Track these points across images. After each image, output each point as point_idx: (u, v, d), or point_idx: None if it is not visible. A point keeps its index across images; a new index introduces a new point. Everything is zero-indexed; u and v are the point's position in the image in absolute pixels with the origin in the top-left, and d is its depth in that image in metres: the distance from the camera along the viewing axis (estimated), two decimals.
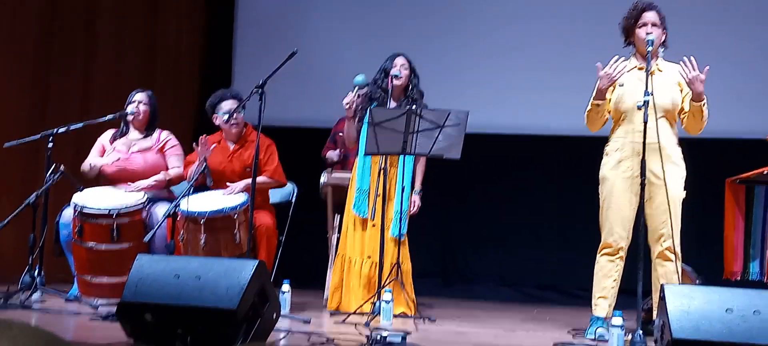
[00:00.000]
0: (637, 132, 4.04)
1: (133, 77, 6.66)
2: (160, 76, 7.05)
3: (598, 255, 4.21)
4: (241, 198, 4.70)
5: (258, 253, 4.69)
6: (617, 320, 3.75)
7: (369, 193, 4.83)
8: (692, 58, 3.98)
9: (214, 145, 4.87)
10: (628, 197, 4.11)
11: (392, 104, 4.84)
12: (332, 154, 5.72)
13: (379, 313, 4.33)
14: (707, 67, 3.98)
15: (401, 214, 4.69)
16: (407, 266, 4.81)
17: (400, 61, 4.90)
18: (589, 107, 4.16)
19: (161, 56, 7.18)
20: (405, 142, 4.39)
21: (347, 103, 4.78)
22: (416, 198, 4.89)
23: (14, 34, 6.01)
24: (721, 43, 6.32)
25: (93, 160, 5.02)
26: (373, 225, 4.75)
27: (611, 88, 4.17)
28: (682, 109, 4.16)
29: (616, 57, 4.07)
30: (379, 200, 4.68)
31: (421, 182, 4.93)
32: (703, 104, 4.04)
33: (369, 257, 4.76)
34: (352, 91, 4.81)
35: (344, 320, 4.36)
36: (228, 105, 4.97)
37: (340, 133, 5.79)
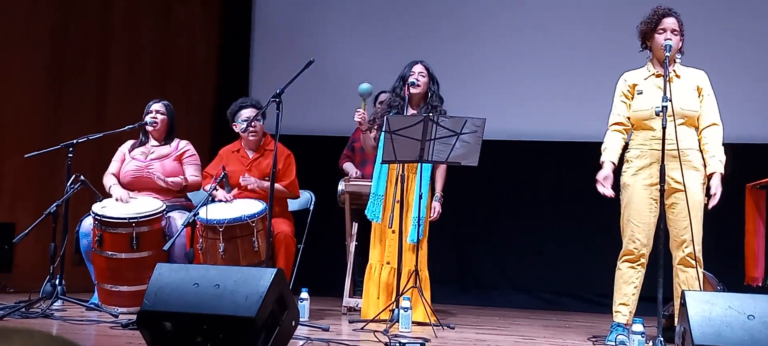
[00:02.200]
0: (656, 139, 4.02)
1: (147, 86, 6.70)
2: (174, 86, 7.08)
3: (619, 262, 4.19)
4: (260, 206, 4.71)
5: (277, 261, 4.70)
6: (638, 327, 3.74)
7: (384, 198, 4.83)
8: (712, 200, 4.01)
9: (235, 191, 4.90)
10: (648, 204, 4.09)
11: (411, 112, 4.84)
12: (349, 168, 5.71)
13: (398, 320, 4.32)
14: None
15: (419, 220, 4.67)
16: (424, 273, 4.80)
17: (418, 68, 4.89)
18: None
19: (176, 65, 7.22)
20: (422, 149, 4.38)
21: (359, 119, 4.78)
22: (436, 204, 4.87)
23: (28, 44, 6.06)
24: (740, 48, 6.28)
25: (115, 191, 4.96)
26: (393, 232, 4.75)
27: (629, 98, 4.18)
28: (699, 118, 4.14)
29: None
30: (397, 206, 4.66)
31: (441, 188, 4.91)
32: (723, 171, 4.07)
33: (388, 263, 4.76)
34: (361, 105, 4.79)
35: (363, 328, 4.36)
36: (247, 113, 5.00)
37: (358, 142, 5.79)
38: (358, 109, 4.77)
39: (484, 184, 6.35)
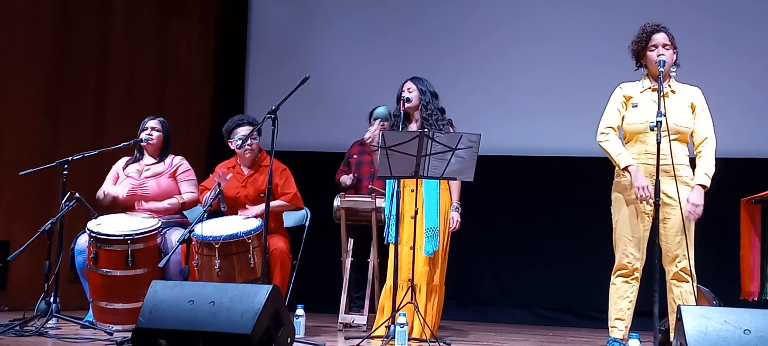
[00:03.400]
0: (650, 153, 4.03)
1: (144, 102, 6.71)
2: (171, 102, 7.10)
3: (612, 276, 4.19)
4: (255, 222, 4.71)
5: (272, 277, 4.69)
6: (634, 342, 3.74)
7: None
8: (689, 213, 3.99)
9: (230, 174, 4.91)
10: (641, 218, 4.10)
11: (412, 127, 4.87)
12: (345, 179, 5.73)
13: (394, 336, 4.31)
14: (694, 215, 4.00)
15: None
16: (437, 285, 4.79)
17: (406, 85, 4.92)
18: (609, 157, 4.15)
19: (173, 81, 7.23)
20: (417, 165, 4.39)
21: (370, 139, 4.81)
22: (455, 214, 4.85)
23: (27, 60, 6.07)
24: (735, 62, 6.30)
25: (107, 188, 5.05)
26: (386, 243, 4.75)
27: (624, 109, 4.18)
28: (694, 134, 4.14)
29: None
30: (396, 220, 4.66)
31: (458, 199, 4.89)
32: (707, 184, 4.04)
33: (409, 280, 4.71)
34: (374, 126, 4.82)
35: (359, 344, 4.34)
36: (243, 130, 5.01)
37: (353, 157, 5.80)
38: (369, 129, 4.81)
39: (481, 199, 6.34)
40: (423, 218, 4.72)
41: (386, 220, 4.87)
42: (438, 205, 4.78)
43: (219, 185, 4.61)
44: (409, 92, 4.88)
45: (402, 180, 4.69)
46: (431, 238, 4.71)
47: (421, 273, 4.70)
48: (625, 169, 4.06)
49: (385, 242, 4.84)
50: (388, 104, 5.40)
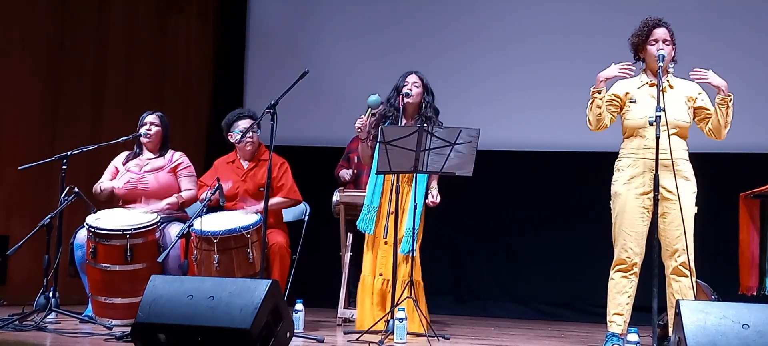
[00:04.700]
0: (649, 148, 4.04)
1: (143, 98, 6.70)
2: (170, 97, 7.09)
3: (611, 271, 4.20)
4: (254, 217, 4.71)
5: (271, 272, 4.70)
6: (633, 337, 3.74)
7: (378, 210, 4.81)
8: (697, 73, 4.03)
9: (228, 183, 4.91)
10: (640, 213, 4.10)
11: (405, 123, 4.84)
12: (345, 173, 5.73)
13: (393, 331, 4.32)
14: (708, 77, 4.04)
15: (414, 232, 4.66)
16: (420, 282, 4.79)
17: (412, 78, 4.90)
18: (593, 108, 4.17)
19: (171, 76, 7.23)
20: (416, 160, 4.39)
21: (359, 127, 4.80)
22: (434, 191, 4.84)
23: (24, 55, 6.06)
24: (733, 57, 6.29)
25: (104, 184, 5.05)
26: (385, 242, 4.74)
27: (617, 100, 4.19)
28: (703, 117, 4.14)
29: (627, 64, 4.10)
30: (392, 218, 4.65)
31: (436, 182, 4.87)
32: (730, 100, 4.03)
33: (381, 275, 4.74)
34: (365, 113, 4.81)
35: (358, 339, 4.35)
36: (243, 124, 5.01)
37: (353, 152, 5.80)
38: (360, 116, 4.79)
39: (479, 194, 6.36)
40: (404, 219, 4.70)
41: (364, 210, 4.84)
42: (422, 204, 4.76)
43: (218, 179, 4.62)
44: (415, 87, 4.86)
45: (387, 175, 4.68)
46: (408, 239, 4.70)
47: (403, 270, 4.68)
48: (602, 84, 4.15)
49: (384, 238, 4.83)
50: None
